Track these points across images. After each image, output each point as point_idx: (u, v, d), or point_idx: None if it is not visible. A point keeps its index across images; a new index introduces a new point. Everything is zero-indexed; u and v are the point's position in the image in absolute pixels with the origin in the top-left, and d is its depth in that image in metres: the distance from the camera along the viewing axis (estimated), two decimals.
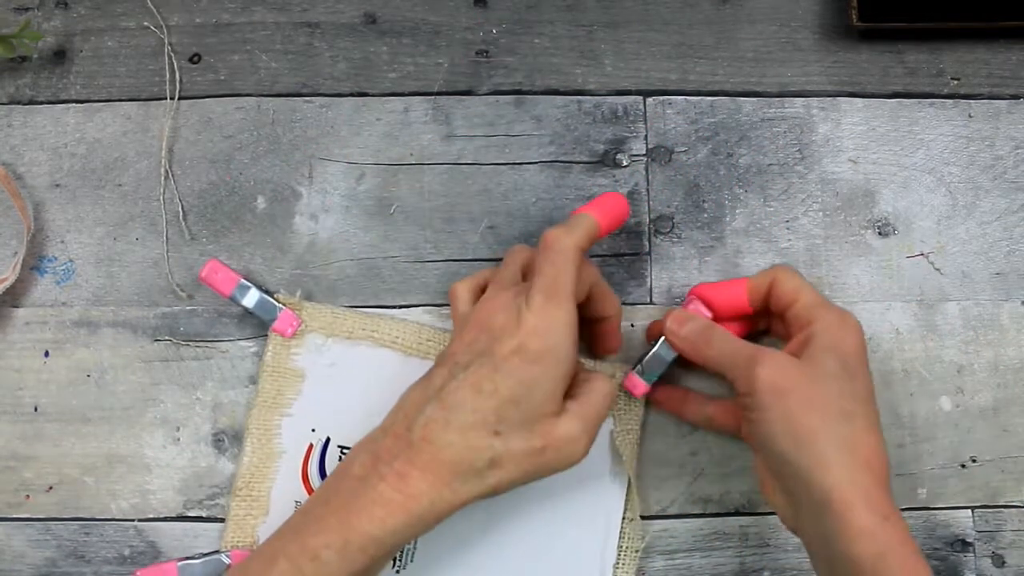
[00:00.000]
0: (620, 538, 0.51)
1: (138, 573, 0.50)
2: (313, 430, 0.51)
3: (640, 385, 0.50)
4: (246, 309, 0.51)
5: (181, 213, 0.53)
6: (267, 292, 0.52)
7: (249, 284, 0.51)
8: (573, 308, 0.43)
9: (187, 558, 0.50)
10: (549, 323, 0.42)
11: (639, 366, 0.50)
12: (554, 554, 0.51)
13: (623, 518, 0.51)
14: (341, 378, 0.52)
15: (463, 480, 0.42)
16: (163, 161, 0.54)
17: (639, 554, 0.51)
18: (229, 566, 0.50)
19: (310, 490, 0.51)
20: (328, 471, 0.51)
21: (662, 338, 0.49)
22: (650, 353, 0.50)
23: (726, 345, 0.46)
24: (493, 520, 0.51)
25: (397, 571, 0.50)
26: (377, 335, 0.52)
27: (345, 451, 0.51)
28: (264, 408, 0.51)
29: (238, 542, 0.50)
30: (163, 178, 0.54)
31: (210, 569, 0.50)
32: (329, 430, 0.51)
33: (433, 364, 0.45)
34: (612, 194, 0.47)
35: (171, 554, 0.51)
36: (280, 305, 0.51)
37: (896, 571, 0.41)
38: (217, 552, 0.50)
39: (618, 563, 0.51)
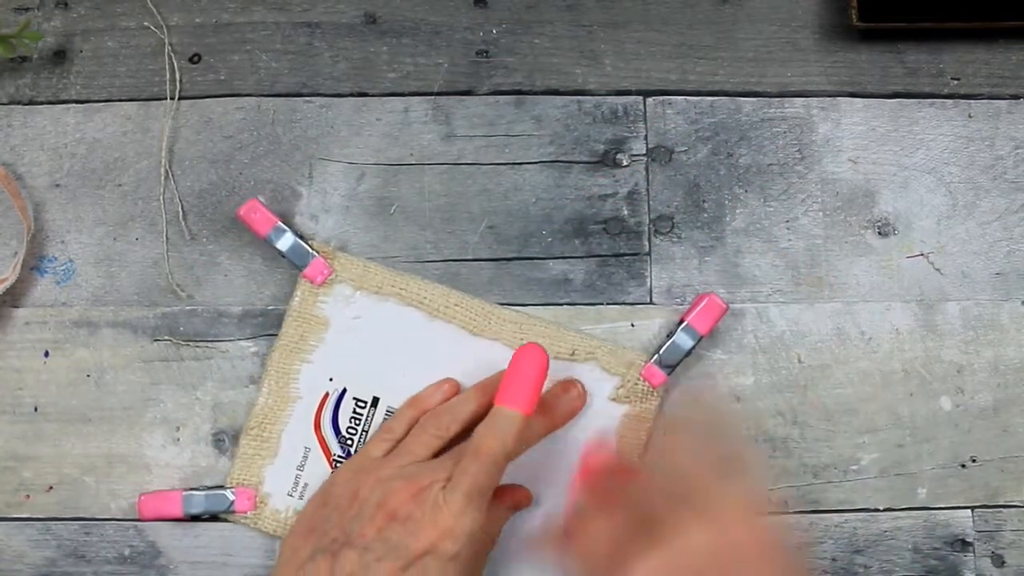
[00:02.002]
0: None
1: (143, 497, 0.50)
2: (331, 379, 0.52)
3: (658, 375, 0.51)
4: (280, 252, 0.51)
5: (181, 213, 0.53)
6: (302, 237, 0.52)
7: (285, 227, 0.51)
8: (486, 507, 0.43)
9: (192, 489, 0.51)
10: (464, 525, 0.42)
11: (657, 356, 0.51)
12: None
13: None
14: (365, 331, 0.52)
15: None
16: (163, 161, 0.54)
17: None
18: (233, 502, 0.50)
19: (320, 439, 0.51)
20: (340, 422, 0.51)
21: (680, 328, 0.50)
22: (668, 343, 0.51)
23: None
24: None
25: None
26: (405, 293, 0.52)
27: (360, 405, 0.51)
28: (285, 352, 0.51)
29: (244, 480, 0.51)
30: (163, 178, 0.54)
31: (213, 502, 0.50)
32: (346, 381, 0.52)
33: (322, 534, 0.45)
34: (526, 354, 0.45)
35: (171, 554, 0.51)
36: (313, 252, 0.52)
37: None
38: (222, 487, 0.51)
39: None
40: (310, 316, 0.52)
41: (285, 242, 0.51)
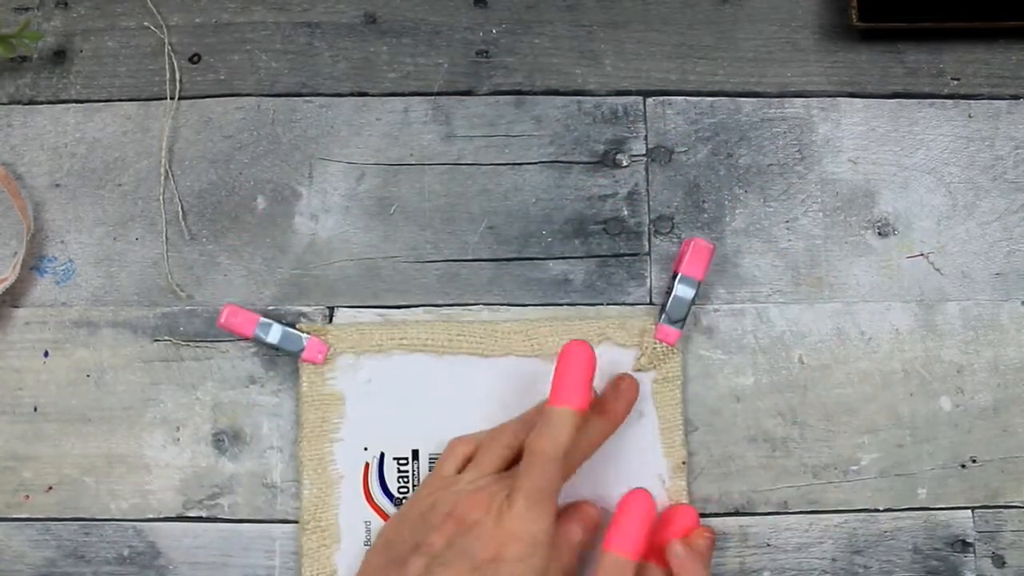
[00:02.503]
0: (665, 489, 0.51)
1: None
2: (366, 448, 0.51)
3: (672, 333, 0.51)
4: (271, 345, 0.51)
5: (181, 213, 0.53)
6: (289, 324, 0.52)
7: (270, 321, 0.51)
8: (554, 512, 0.44)
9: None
10: (529, 529, 0.43)
11: (664, 314, 0.51)
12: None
13: (669, 467, 0.51)
14: (381, 392, 0.52)
15: None
16: (163, 161, 0.54)
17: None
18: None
19: (376, 508, 0.51)
20: (390, 485, 0.51)
21: (676, 280, 0.51)
22: (670, 299, 0.51)
23: None
24: (563, 500, 0.50)
25: None
26: (407, 342, 0.52)
27: (402, 463, 0.51)
28: (312, 439, 0.51)
29: (317, 575, 0.50)
30: (163, 178, 0.54)
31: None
32: (382, 445, 0.51)
33: (395, 545, 0.46)
34: (574, 351, 0.46)
35: (171, 554, 0.51)
36: (305, 334, 0.51)
37: None
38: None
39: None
40: (323, 396, 0.52)
41: (274, 335, 0.51)
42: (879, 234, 0.54)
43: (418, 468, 0.51)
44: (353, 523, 0.51)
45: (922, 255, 0.54)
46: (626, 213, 0.54)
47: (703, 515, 0.52)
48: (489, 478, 0.46)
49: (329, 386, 0.52)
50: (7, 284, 0.52)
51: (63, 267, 0.53)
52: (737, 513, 0.52)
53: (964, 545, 0.52)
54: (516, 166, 0.54)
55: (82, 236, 0.53)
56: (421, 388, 0.52)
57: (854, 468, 0.53)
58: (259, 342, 0.51)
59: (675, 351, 0.52)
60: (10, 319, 0.53)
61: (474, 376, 0.52)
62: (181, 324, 0.53)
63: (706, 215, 0.54)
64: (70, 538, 0.51)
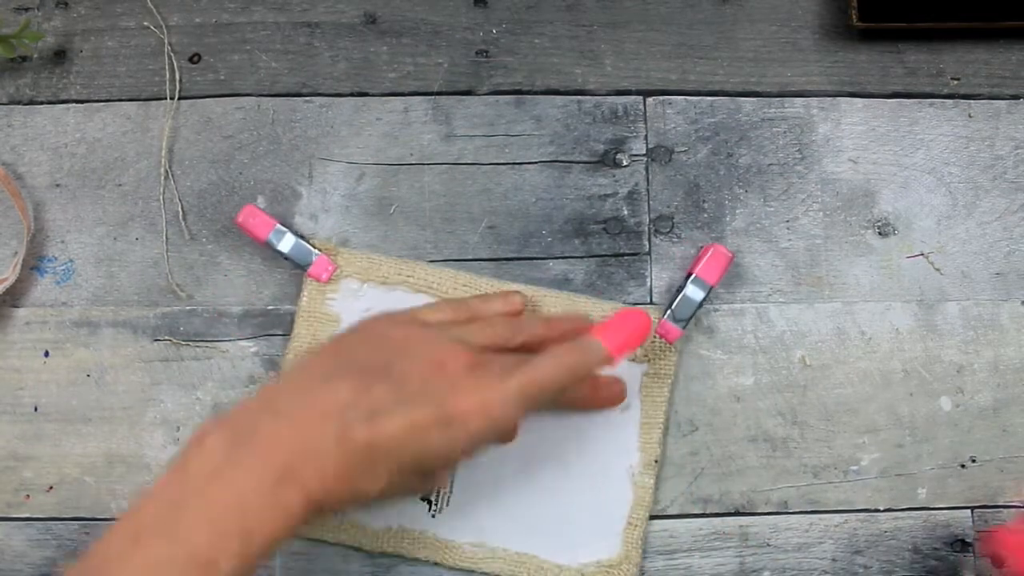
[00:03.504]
0: (632, 482, 0.51)
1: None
2: None
3: (673, 331, 0.51)
4: (282, 254, 0.52)
5: (181, 213, 0.53)
6: (302, 237, 0.52)
7: (285, 228, 0.52)
8: (533, 409, 0.43)
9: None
10: (507, 412, 0.41)
11: (669, 311, 0.51)
12: (583, 497, 0.51)
13: (641, 462, 0.51)
14: None
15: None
16: (163, 161, 0.54)
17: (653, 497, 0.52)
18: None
19: None
20: None
21: (689, 280, 0.51)
22: (679, 297, 0.51)
23: None
24: (526, 463, 0.51)
25: (433, 515, 0.51)
26: (413, 280, 0.52)
27: None
28: (300, 352, 0.51)
29: None
30: (163, 178, 0.54)
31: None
32: None
33: (356, 353, 0.43)
34: (635, 314, 0.46)
35: None
36: (316, 250, 0.52)
37: None
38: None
39: (632, 512, 0.51)
40: (320, 314, 0.52)
41: (287, 243, 0.52)
42: (879, 234, 0.54)
43: None
44: None
45: (922, 255, 0.54)
46: (626, 213, 0.54)
47: (703, 515, 0.52)
48: (483, 348, 0.44)
49: (328, 305, 0.52)
50: (7, 284, 0.52)
51: (63, 267, 0.53)
52: (737, 513, 0.52)
53: (964, 545, 0.52)
54: (516, 166, 0.54)
55: (82, 236, 0.53)
56: None
57: (854, 468, 0.53)
58: (271, 248, 0.51)
59: (672, 350, 0.52)
60: (10, 319, 0.53)
61: None
62: (181, 324, 0.53)
63: (706, 215, 0.54)
64: (70, 538, 0.51)
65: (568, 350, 0.44)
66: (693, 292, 0.51)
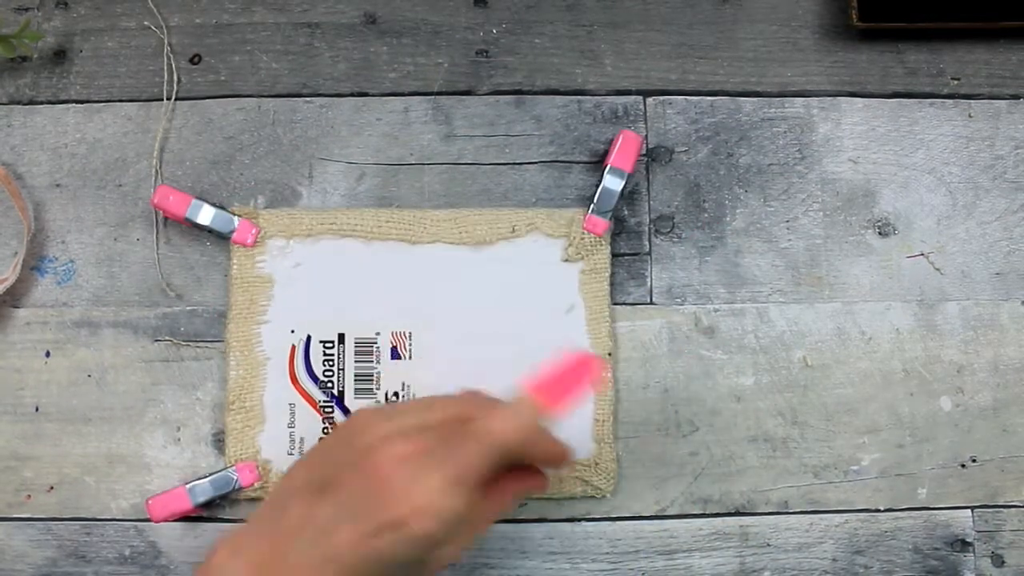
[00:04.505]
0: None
1: (150, 500, 0.50)
2: (292, 331, 0.52)
3: (600, 223, 0.52)
4: (202, 227, 0.52)
5: None
6: (220, 207, 0.52)
7: (202, 201, 0.52)
8: (472, 493, 0.39)
9: (193, 481, 0.51)
10: (443, 510, 0.38)
11: (592, 205, 0.52)
12: None
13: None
14: (309, 276, 0.52)
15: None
16: (154, 162, 0.54)
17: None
18: (237, 479, 0.50)
19: (301, 391, 0.52)
20: (315, 369, 0.52)
21: (606, 171, 0.52)
22: (599, 190, 0.52)
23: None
24: (480, 378, 0.47)
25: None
26: (336, 226, 0.52)
27: (328, 347, 0.52)
28: (239, 320, 0.52)
29: (240, 455, 0.51)
30: (154, 179, 0.54)
31: (219, 485, 0.51)
32: (308, 328, 0.52)
33: (316, 469, 0.41)
34: (575, 359, 0.42)
35: (171, 554, 0.51)
36: (236, 216, 0.52)
37: None
38: (223, 469, 0.51)
39: (596, 410, 0.52)
40: (252, 278, 0.52)
41: (206, 215, 0.52)
42: (879, 234, 0.54)
43: (343, 352, 0.52)
44: (278, 404, 0.51)
45: (922, 255, 0.54)
46: (626, 213, 0.54)
47: (703, 515, 0.52)
48: (424, 428, 0.40)
49: (258, 269, 0.52)
50: (8, 284, 0.52)
51: (64, 267, 0.53)
52: (738, 513, 0.52)
53: (964, 545, 0.52)
54: (516, 166, 0.54)
55: (83, 236, 0.53)
56: (349, 273, 0.52)
57: (854, 468, 0.53)
58: (191, 223, 0.52)
59: (602, 242, 0.53)
60: (11, 319, 0.53)
61: (401, 262, 0.52)
62: (182, 324, 0.53)
63: (706, 215, 0.54)
64: (71, 538, 0.52)
65: (499, 418, 0.40)
66: (611, 183, 0.52)
